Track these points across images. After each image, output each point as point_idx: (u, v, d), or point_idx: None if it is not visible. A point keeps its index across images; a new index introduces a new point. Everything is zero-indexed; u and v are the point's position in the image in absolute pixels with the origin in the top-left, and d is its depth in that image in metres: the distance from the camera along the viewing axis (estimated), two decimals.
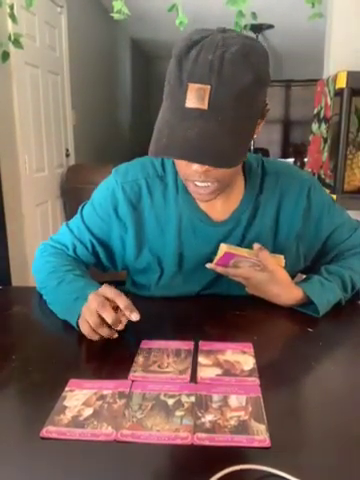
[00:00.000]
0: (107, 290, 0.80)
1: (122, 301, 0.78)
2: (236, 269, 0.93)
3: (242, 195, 0.98)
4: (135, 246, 0.99)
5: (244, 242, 0.98)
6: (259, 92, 0.77)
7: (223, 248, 0.90)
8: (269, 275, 0.91)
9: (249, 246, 0.94)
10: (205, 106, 0.72)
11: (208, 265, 0.93)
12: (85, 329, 0.79)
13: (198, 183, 0.85)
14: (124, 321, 0.79)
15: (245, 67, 0.73)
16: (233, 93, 0.73)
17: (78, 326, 0.82)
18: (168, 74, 0.77)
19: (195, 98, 0.72)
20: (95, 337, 0.78)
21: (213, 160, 0.75)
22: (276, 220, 1.00)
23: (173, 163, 0.96)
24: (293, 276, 1.04)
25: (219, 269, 0.93)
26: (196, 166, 0.80)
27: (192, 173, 0.82)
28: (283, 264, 0.92)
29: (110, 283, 0.94)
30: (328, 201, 1.06)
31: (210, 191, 0.86)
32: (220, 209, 0.98)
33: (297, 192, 1.00)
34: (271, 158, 1.10)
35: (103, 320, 0.77)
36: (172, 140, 0.74)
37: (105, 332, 0.78)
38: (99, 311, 0.77)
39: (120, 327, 0.78)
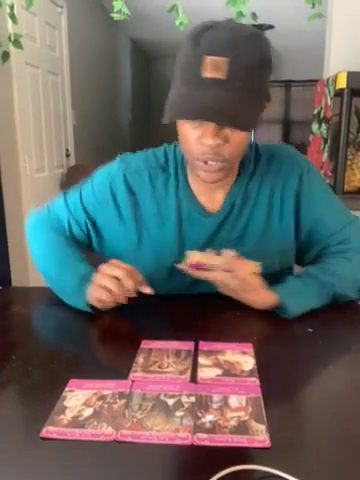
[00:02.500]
0: (116, 262, 0.87)
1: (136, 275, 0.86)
2: (210, 272, 0.89)
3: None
4: (135, 235, 1.00)
5: (234, 231, 0.99)
6: (266, 73, 0.82)
7: (194, 257, 0.87)
8: (241, 283, 0.89)
9: (240, 235, 0.98)
10: (223, 76, 0.77)
11: (179, 266, 0.89)
12: (100, 293, 0.85)
13: (208, 161, 0.86)
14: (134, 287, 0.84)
15: (256, 47, 0.80)
16: (246, 67, 0.78)
17: (87, 306, 0.89)
18: (181, 56, 0.82)
19: (212, 68, 0.77)
20: (110, 299, 0.84)
21: (229, 121, 0.79)
22: (269, 205, 0.99)
23: (175, 155, 1.00)
24: (288, 268, 1.04)
25: (191, 271, 0.89)
26: (209, 139, 0.81)
27: (204, 148, 0.84)
28: (258, 270, 0.89)
29: None
30: (322, 187, 1.04)
31: (218, 168, 0.87)
32: (218, 200, 0.99)
33: (289, 173, 1.00)
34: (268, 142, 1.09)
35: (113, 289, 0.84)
36: (188, 104, 0.78)
37: (123, 288, 0.83)
38: (113, 272, 0.84)
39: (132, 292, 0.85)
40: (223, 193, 0.99)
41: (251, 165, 1.00)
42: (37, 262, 1.04)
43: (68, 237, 1.05)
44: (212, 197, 0.99)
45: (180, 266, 0.89)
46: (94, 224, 1.04)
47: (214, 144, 0.82)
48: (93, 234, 1.05)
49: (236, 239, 0.99)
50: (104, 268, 0.86)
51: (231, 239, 0.99)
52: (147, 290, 0.85)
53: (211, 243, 0.97)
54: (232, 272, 0.88)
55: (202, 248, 0.92)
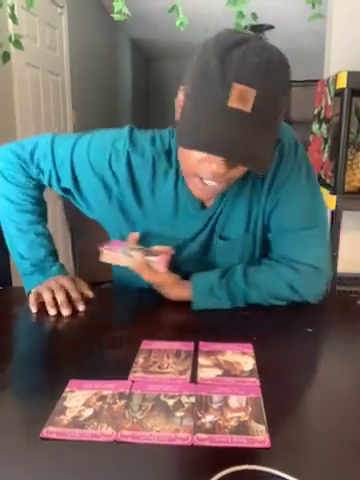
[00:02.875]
0: (65, 281, 0.98)
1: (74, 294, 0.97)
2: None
3: None
4: (136, 204, 0.98)
5: (225, 223, 0.98)
6: (286, 101, 0.78)
7: (105, 256, 0.92)
8: (151, 281, 0.95)
9: (223, 229, 0.98)
10: (249, 108, 0.71)
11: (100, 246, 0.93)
12: (46, 294, 0.95)
13: (207, 181, 0.83)
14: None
15: (284, 75, 0.75)
16: (274, 99, 0.74)
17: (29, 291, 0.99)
18: (203, 72, 0.74)
19: (239, 99, 0.71)
20: (49, 299, 0.94)
21: (255, 164, 0.75)
22: (250, 197, 0.96)
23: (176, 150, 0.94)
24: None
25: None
26: (217, 166, 0.78)
27: (207, 171, 0.80)
28: (160, 270, 0.93)
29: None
30: (302, 179, 0.95)
31: (215, 190, 0.86)
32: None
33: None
34: None
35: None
36: (214, 137, 0.72)
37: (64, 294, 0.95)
38: (56, 293, 0.95)
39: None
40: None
41: None
42: (3, 208, 1.05)
43: (40, 201, 1.08)
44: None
45: (100, 247, 0.93)
46: (77, 185, 1.00)
47: (220, 172, 0.79)
48: (76, 194, 1.02)
49: (225, 230, 0.99)
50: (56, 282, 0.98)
51: (222, 230, 0.99)
52: (80, 308, 0.95)
53: (203, 230, 0.99)
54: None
55: (194, 237, 0.99)
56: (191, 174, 0.85)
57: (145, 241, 0.98)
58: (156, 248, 0.94)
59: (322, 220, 1.00)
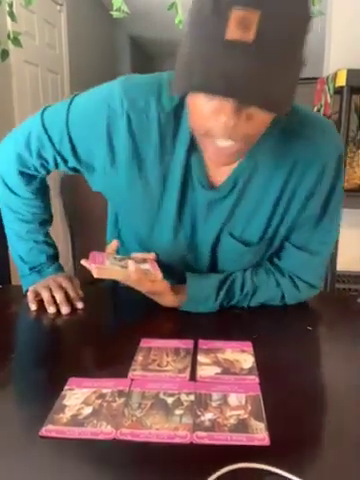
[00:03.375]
0: (62, 280, 0.99)
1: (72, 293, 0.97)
2: (113, 274, 0.87)
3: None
4: (126, 184, 0.87)
5: (235, 213, 0.87)
6: (305, 35, 0.62)
7: (98, 273, 0.82)
8: (144, 291, 0.90)
9: (240, 216, 0.87)
10: (250, 37, 0.57)
11: (83, 261, 0.84)
12: (44, 293, 0.96)
13: (220, 142, 0.69)
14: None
15: None
16: (285, 25, 0.58)
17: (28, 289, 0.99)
18: (196, 4, 0.62)
19: (238, 28, 0.57)
20: (48, 298, 0.94)
21: (262, 101, 0.61)
22: (281, 191, 0.85)
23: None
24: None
25: (94, 271, 0.82)
26: (226, 117, 0.63)
27: (217, 127, 0.65)
28: (158, 278, 0.86)
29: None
30: (337, 197, 0.88)
31: (233, 151, 0.70)
32: (226, 172, 0.84)
33: (314, 159, 0.83)
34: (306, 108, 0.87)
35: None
36: (210, 75, 0.59)
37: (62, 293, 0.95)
38: (54, 291, 0.96)
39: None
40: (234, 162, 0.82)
41: (274, 128, 0.75)
42: (3, 213, 1.02)
43: (42, 208, 1.02)
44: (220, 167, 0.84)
45: (83, 262, 0.84)
46: (81, 161, 0.89)
47: (231, 125, 0.64)
48: (84, 171, 0.91)
49: (232, 219, 0.89)
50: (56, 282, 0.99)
51: (229, 217, 0.89)
52: (79, 305, 0.95)
53: (209, 213, 0.88)
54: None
55: (199, 216, 0.89)
56: (202, 134, 0.70)
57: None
58: (137, 255, 0.88)
59: (334, 241, 0.98)
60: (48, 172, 0.98)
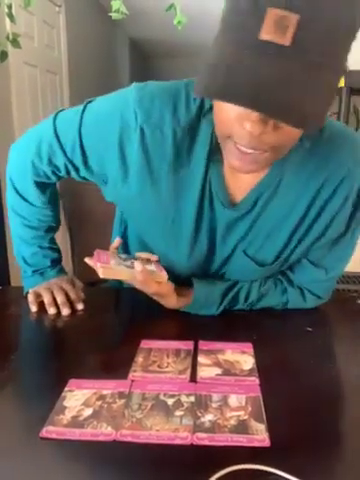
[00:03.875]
0: (64, 282, 0.99)
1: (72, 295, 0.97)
2: (119, 274, 0.85)
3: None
4: (138, 198, 0.83)
5: (252, 230, 0.83)
6: (350, 44, 0.57)
7: (104, 273, 0.81)
8: (149, 292, 0.88)
9: (257, 234, 0.83)
10: (287, 41, 0.52)
11: (87, 259, 0.84)
12: (45, 294, 0.96)
13: (242, 148, 0.64)
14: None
15: (348, 3, 0.54)
16: (328, 28, 0.53)
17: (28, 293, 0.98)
18: (231, 1, 0.57)
19: (274, 28, 0.52)
20: (49, 300, 0.94)
21: (292, 116, 0.54)
22: (306, 210, 0.80)
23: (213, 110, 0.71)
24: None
25: (100, 271, 0.81)
26: (251, 125, 0.58)
27: (241, 134, 0.61)
28: (164, 279, 0.85)
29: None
30: (358, 209, 0.83)
31: (258, 159, 0.65)
32: (246, 185, 0.80)
33: (343, 182, 0.78)
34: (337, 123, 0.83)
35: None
36: (234, 80, 0.54)
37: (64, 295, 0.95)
38: (55, 293, 0.96)
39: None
40: (255, 176, 0.78)
41: (301, 145, 0.74)
42: (10, 217, 1.02)
43: (49, 216, 1.01)
44: (241, 178, 0.79)
45: (88, 260, 0.84)
46: (92, 171, 0.86)
47: (259, 132, 0.59)
48: (97, 181, 0.89)
49: (248, 237, 0.85)
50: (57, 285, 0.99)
51: (245, 235, 0.85)
52: (79, 306, 0.95)
53: (228, 231, 0.85)
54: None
55: (218, 234, 0.85)
56: (225, 137, 0.65)
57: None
58: (141, 254, 0.88)
59: (350, 257, 0.92)
60: (59, 178, 0.96)
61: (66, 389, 0.66)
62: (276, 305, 0.95)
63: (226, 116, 0.62)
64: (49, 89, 3.23)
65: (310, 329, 0.86)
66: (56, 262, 1.05)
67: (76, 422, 0.59)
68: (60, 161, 0.88)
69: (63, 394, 0.65)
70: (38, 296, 0.96)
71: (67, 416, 0.60)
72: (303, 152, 0.76)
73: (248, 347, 0.78)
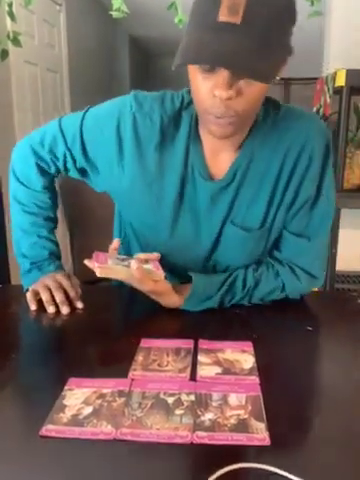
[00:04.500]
0: (62, 279, 0.99)
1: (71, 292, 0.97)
2: (117, 274, 0.88)
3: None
4: (129, 183, 0.94)
5: (235, 203, 0.93)
6: (289, 24, 0.74)
7: (101, 272, 0.84)
8: (146, 290, 0.90)
9: (240, 205, 0.92)
10: (238, 20, 0.68)
11: (86, 261, 0.88)
12: (43, 292, 0.96)
13: (219, 115, 0.78)
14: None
15: None
16: (267, 12, 0.70)
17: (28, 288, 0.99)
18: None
19: (228, 11, 0.68)
20: (47, 298, 0.95)
21: (244, 68, 0.71)
22: (277, 177, 0.91)
23: (192, 104, 0.88)
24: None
25: (98, 270, 0.85)
26: (221, 91, 0.73)
27: (215, 101, 0.76)
28: (161, 278, 0.88)
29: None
30: (328, 179, 0.94)
31: (229, 122, 0.79)
32: (224, 163, 0.92)
33: (307, 142, 0.90)
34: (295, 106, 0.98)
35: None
36: (202, 50, 0.70)
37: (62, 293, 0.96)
38: (54, 292, 0.96)
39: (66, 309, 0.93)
40: (230, 156, 0.91)
41: (265, 123, 0.90)
42: (11, 208, 1.07)
43: (48, 205, 1.06)
44: (219, 159, 0.92)
45: (87, 262, 0.87)
46: (89, 160, 0.97)
47: (226, 97, 0.73)
48: (90, 173, 0.99)
49: (234, 207, 0.94)
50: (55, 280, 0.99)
51: (231, 206, 0.93)
52: (79, 305, 0.95)
53: (210, 206, 0.93)
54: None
55: (201, 209, 0.94)
56: (204, 112, 0.80)
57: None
58: (140, 255, 0.90)
59: (330, 224, 1.00)
60: (57, 171, 1.04)
61: (66, 388, 0.66)
62: (274, 291, 0.96)
63: (200, 90, 0.77)
64: (50, 87, 3.23)
65: (310, 328, 0.86)
66: (55, 257, 1.05)
67: (76, 420, 0.59)
68: (60, 150, 0.99)
69: (63, 393, 0.65)
70: (36, 294, 0.97)
71: (67, 414, 0.60)
72: (266, 129, 0.90)
73: (248, 346, 0.79)
